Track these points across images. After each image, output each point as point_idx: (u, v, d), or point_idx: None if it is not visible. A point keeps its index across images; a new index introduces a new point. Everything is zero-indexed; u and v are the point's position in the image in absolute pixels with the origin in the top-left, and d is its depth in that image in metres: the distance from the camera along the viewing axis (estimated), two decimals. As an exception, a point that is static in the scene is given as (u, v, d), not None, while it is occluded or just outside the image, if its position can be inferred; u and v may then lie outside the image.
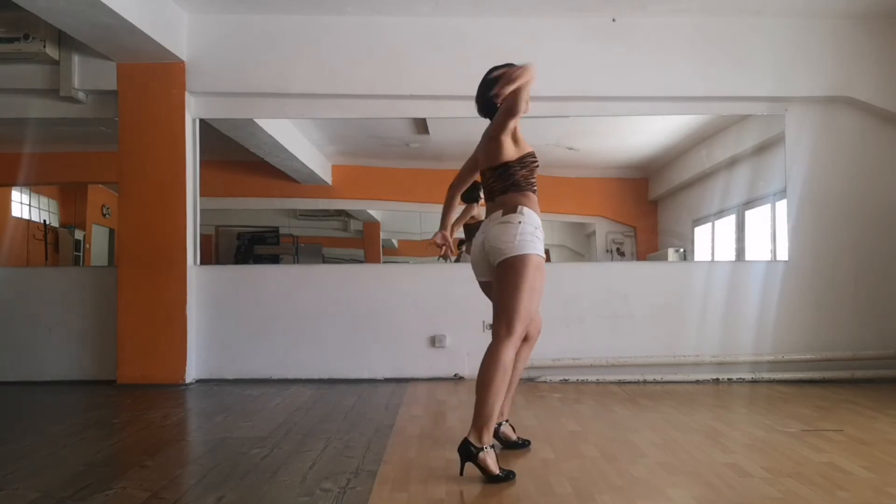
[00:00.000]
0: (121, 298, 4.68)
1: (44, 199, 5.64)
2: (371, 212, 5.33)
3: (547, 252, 5.33)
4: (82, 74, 4.72)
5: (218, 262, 5.16)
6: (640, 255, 5.20)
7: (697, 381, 4.65)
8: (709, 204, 5.17)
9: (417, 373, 4.72)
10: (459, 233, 4.33)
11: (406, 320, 4.77)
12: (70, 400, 4.25)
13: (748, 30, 4.74)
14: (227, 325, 4.83)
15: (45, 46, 4.49)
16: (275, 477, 2.48)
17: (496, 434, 2.80)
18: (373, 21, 4.72)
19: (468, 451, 2.44)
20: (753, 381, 4.65)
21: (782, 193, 4.87)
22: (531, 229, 2.56)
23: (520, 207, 2.59)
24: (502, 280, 2.56)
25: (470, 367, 4.77)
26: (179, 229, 4.70)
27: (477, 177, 2.90)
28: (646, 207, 5.32)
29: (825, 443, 2.92)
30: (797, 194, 4.83)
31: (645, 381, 4.62)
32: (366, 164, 5.44)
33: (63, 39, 4.62)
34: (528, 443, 2.92)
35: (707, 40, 4.74)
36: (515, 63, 2.56)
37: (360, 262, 5.30)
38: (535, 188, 2.69)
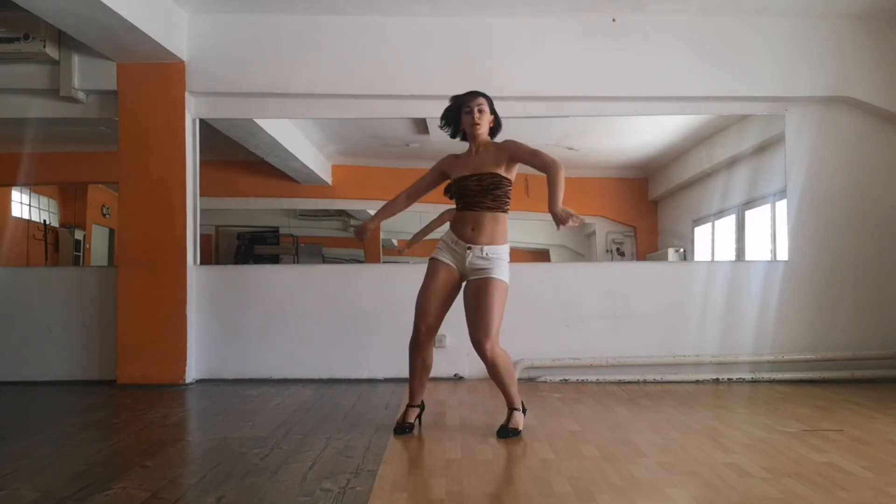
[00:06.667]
0: (121, 298, 4.67)
1: (44, 199, 5.63)
2: (371, 212, 5.32)
3: (547, 252, 5.36)
4: (82, 74, 4.72)
5: (218, 262, 5.16)
6: (640, 255, 5.20)
7: (697, 381, 4.65)
8: (709, 204, 5.17)
9: (417, 373, 4.70)
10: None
11: (406, 320, 4.71)
12: (70, 400, 4.25)
13: (748, 30, 4.74)
14: (227, 325, 4.83)
15: (45, 46, 4.49)
16: (275, 477, 2.48)
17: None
18: (373, 21, 4.72)
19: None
20: (753, 381, 4.65)
21: (782, 193, 4.87)
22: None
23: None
24: None
25: (470, 368, 4.77)
26: (179, 229, 4.70)
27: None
28: (646, 207, 5.32)
29: (825, 443, 2.92)
30: (797, 194, 4.83)
31: (645, 381, 4.62)
32: (366, 164, 5.44)
33: (63, 39, 4.61)
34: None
35: (707, 40, 4.74)
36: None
37: (360, 262, 5.30)
38: (460, 206, 3.16)
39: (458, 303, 3.18)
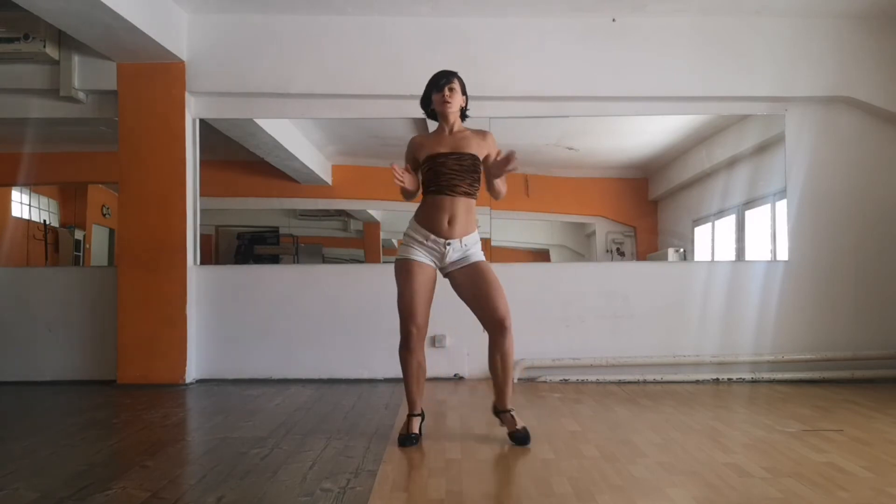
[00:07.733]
0: (121, 298, 4.67)
1: (44, 199, 5.63)
2: (371, 212, 5.32)
3: (547, 252, 5.36)
4: (82, 74, 4.72)
5: (218, 262, 5.16)
6: (640, 255, 5.19)
7: (697, 381, 4.65)
8: (709, 204, 5.17)
9: (417, 373, 4.70)
10: None
11: (406, 320, 4.77)
12: (70, 400, 4.25)
13: (748, 30, 4.74)
14: (227, 326, 4.83)
15: (45, 46, 4.49)
16: (275, 477, 2.48)
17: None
18: (373, 21, 4.72)
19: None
20: (753, 381, 4.65)
21: (782, 193, 4.87)
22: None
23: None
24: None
25: (470, 367, 4.77)
26: (179, 229, 4.70)
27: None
28: (646, 207, 5.32)
29: (825, 443, 2.92)
30: (797, 194, 4.83)
31: (645, 381, 4.62)
32: (366, 164, 5.44)
33: (63, 39, 4.62)
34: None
35: (707, 40, 4.74)
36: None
37: (360, 262, 5.30)
38: (432, 189, 2.99)
39: (456, 300, 3.16)
